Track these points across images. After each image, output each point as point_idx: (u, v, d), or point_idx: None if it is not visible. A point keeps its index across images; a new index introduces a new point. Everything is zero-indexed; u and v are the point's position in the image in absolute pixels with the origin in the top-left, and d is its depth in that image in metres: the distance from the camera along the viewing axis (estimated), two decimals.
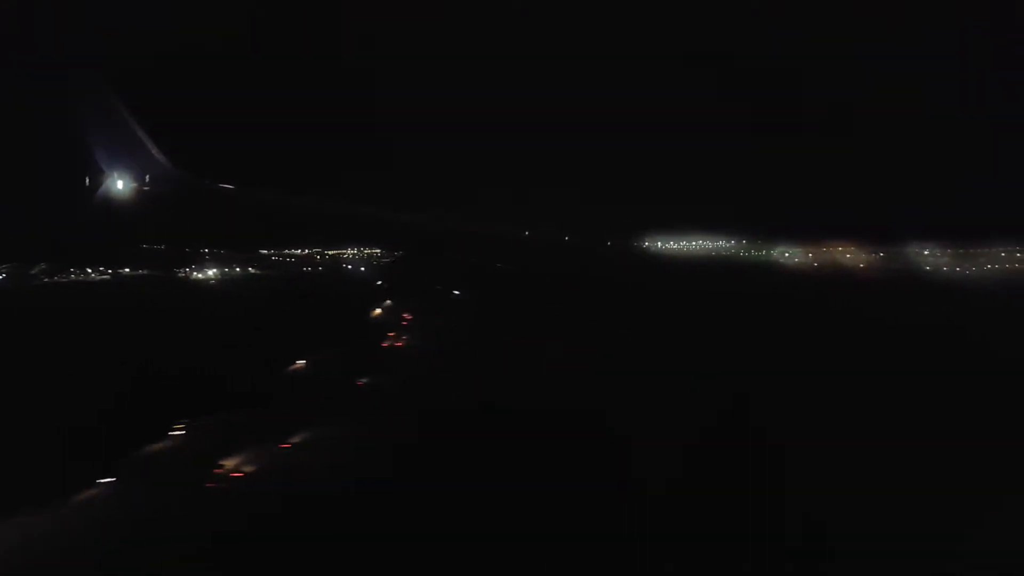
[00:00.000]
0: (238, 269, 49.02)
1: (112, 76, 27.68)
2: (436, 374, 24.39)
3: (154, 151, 28.35)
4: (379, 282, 43.67)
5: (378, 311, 35.80)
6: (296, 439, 17.00)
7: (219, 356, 25.31)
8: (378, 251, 38.79)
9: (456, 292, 37.77)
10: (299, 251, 39.93)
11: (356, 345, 28.61)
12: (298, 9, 31.04)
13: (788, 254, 29.37)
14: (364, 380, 23.34)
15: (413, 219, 31.40)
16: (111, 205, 28.55)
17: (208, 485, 14.47)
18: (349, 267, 44.98)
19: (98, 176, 28.21)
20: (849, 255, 28.63)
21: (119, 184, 28.39)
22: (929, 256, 28.60)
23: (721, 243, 30.73)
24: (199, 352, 26.11)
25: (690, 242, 31.12)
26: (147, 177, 28.48)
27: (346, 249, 39.23)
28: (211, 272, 49.15)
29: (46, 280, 45.15)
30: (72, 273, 45.62)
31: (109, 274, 48.15)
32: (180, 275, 48.61)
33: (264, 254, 41.37)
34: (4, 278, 41.97)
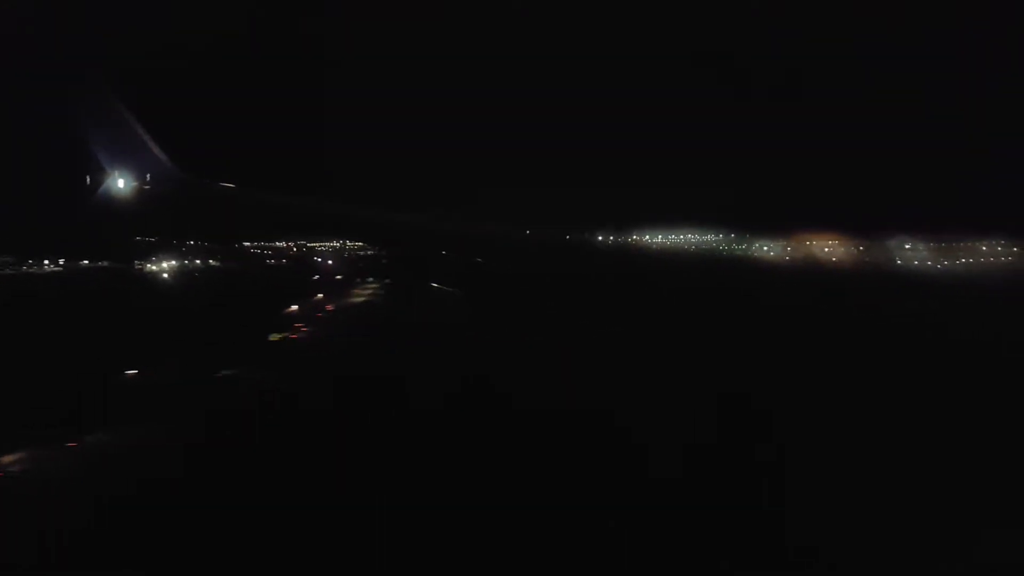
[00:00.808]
0: (198, 261, 49.11)
1: (112, 76, 27.82)
2: (302, 369, 23.87)
3: (155, 150, 28.71)
4: (313, 277, 44.56)
5: (294, 307, 35.60)
6: (91, 437, 16.25)
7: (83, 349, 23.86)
8: (357, 245, 39.75)
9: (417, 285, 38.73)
10: (280, 244, 40.49)
11: (249, 337, 28.21)
12: (297, 9, 31.46)
13: (767, 248, 30.43)
14: (227, 372, 23.17)
15: (397, 217, 32.50)
16: (111, 204, 28.81)
17: None
18: (319, 259, 45.79)
19: (99, 175, 28.42)
20: (830, 249, 29.56)
21: (120, 183, 28.65)
22: (913, 250, 29.29)
23: (709, 237, 31.74)
24: (68, 346, 24.69)
25: (677, 237, 32.10)
26: (148, 176, 28.83)
27: (327, 242, 40.03)
28: (166, 264, 49.05)
29: None
30: (26, 265, 44.87)
31: (62, 266, 47.53)
32: (137, 268, 48.45)
33: (246, 246, 41.71)
34: None
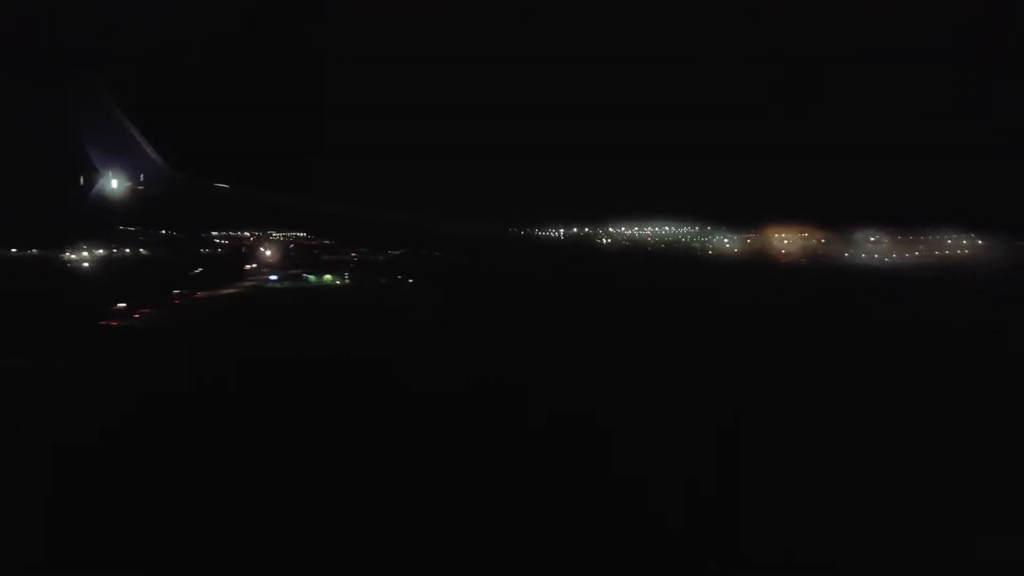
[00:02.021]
0: (128, 250, 48.32)
1: (110, 76, 27.94)
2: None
3: (149, 151, 29.17)
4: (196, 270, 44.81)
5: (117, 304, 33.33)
6: None
7: None
8: (313, 237, 40.51)
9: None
10: (247, 234, 40.64)
11: (77, 322, 27.85)
12: (297, 10, 31.78)
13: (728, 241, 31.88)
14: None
15: (374, 215, 34.11)
16: (103, 203, 29.11)
17: None
18: (262, 248, 46.21)
19: (93, 175, 28.64)
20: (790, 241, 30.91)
21: (114, 183, 29.00)
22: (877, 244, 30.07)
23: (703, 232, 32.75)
24: None
25: (667, 232, 33.14)
26: (141, 177, 29.30)
27: (292, 233, 40.59)
28: (85, 253, 48.04)
29: None
30: None
31: None
32: (61, 256, 47.21)
33: (212, 235, 41.50)
34: None
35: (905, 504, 12.14)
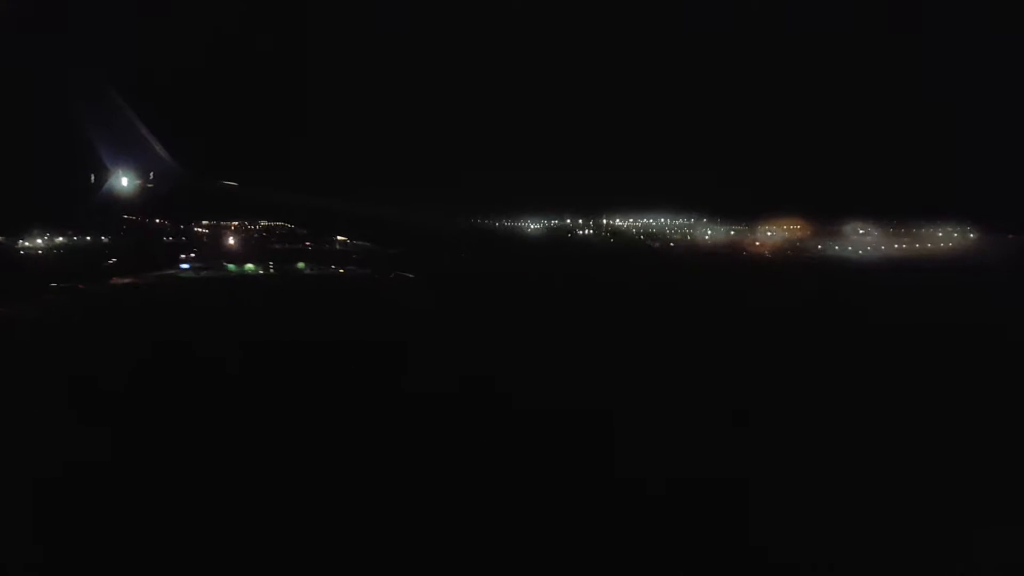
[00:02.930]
0: (88, 238, 47.74)
1: (114, 76, 28.31)
2: None
3: (158, 149, 29.75)
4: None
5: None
6: None
7: None
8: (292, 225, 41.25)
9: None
10: (234, 223, 40.88)
11: None
12: (298, 9, 32.38)
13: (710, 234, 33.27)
14: None
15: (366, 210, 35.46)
16: (112, 199, 29.60)
17: None
18: (227, 237, 46.37)
19: (103, 173, 29.05)
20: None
21: (124, 181, 29.48)
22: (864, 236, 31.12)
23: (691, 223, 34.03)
24: None
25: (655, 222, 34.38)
26: (151, 175, 29.86)
27: (277, 223, 41.17)
28: (40, 241, 47.33)
29: None
30: None
31: None
32: (16, 244, 46.31)
33: (204, 224, 41.51)
34: None
35: (886, 503, 12.29)
